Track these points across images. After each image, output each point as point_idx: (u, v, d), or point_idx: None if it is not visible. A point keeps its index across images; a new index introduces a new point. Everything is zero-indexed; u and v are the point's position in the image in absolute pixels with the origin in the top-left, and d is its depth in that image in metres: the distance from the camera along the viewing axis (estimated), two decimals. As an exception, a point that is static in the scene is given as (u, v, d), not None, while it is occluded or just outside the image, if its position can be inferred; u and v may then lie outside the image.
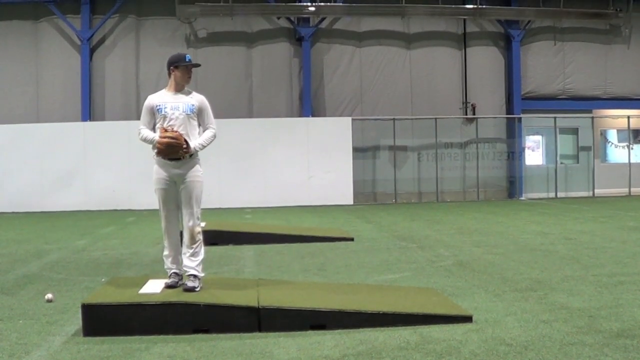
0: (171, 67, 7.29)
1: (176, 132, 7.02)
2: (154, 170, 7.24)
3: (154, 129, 7.25)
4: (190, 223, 7.14)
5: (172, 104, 7.17)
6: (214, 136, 7.32)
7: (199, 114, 7.27)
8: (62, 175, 22.90)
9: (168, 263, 7.27)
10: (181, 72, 7.25)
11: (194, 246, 7.13)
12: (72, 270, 10.38)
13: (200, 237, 7.20)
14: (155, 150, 7.07)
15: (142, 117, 7.33)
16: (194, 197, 7.17)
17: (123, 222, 18.45)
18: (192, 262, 7.09)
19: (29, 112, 24.50)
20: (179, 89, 7.27)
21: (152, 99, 7.28)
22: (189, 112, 7.18)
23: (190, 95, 7.29)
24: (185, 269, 7.13)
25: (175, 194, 7.21)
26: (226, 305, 6.49)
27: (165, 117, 7.14)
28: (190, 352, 5.73)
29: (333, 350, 5.71)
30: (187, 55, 7.38)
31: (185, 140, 7.03)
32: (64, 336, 6.30)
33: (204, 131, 7.32)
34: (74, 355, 5.67)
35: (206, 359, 5.56)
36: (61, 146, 23.05)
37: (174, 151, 7.01)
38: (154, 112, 7.22)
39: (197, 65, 7.50)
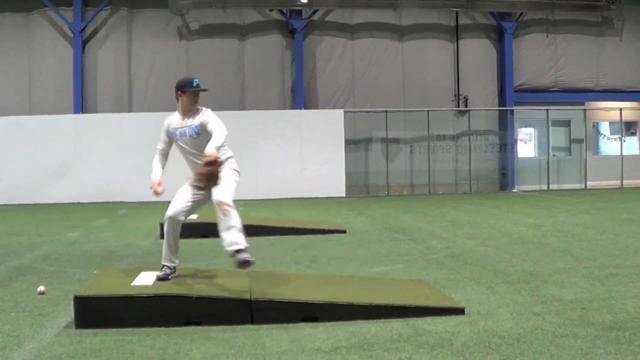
0: (178, 92, 7.27)
1: (212, 156, 6.81)
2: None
3: (169, 147, 7.44)
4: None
5: (181, 129, 7.26)
6: (222, 134, 7.02)
7: (204, 130, 7.16)
8: (54, 168, 22.85)
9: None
10: (188, 97, 7.24)
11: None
12: (64, 262, 10.36)
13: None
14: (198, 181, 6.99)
15: (161, 135, 7.46)
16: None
17: (115, 215, 18.42)
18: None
19: (21, 104, 24.42)
20: (187, 112, 7.26)
21: (168, 122, 7.37)
22: (194, 136, 7.19)
23: (196, 115, 7.22)
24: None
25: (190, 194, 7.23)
26: (218, 298, 6.48)
27: (177, 142, 7.31)
28: (183, 344, 5.72)
29: (325, 342, 5.71)
30: (195, 79, 7.33)
31: (218, 161, 6.91)
32: (56, 328, 6.28)
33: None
34: (66, 347, 5.66)
35: (198, 351, 5.55)
36: (54, 138, 22.99)
37: (214, 178, 6.90)
38: (170, 134, 7.34)
39: (204, 90, 7.39)
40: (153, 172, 7.43)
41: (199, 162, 7.10)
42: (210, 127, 7.10)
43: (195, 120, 7.18)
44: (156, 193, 7.36)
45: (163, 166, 7.55)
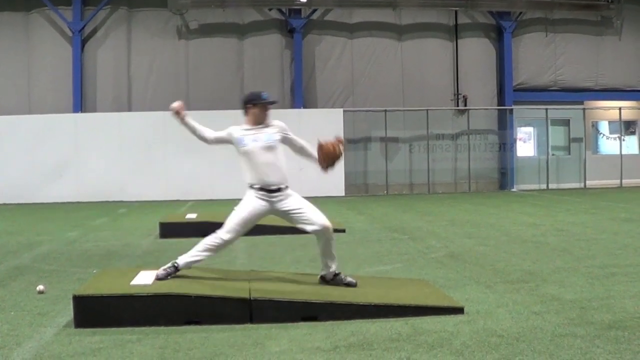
0: (248, 105, 7.37)
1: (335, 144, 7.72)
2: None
3: (218, 144, 7.59)
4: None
5: (253, 136, 7.27)
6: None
7: (285, 135, 7.52)
8: (53, 167, 22.85)
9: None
10: (259, 109, 7.35)
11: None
12: (63, 261, 10.36)
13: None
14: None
15: (223, 131, 7.49)
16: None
17: (114, 214, 18.41)
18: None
19: (21, 103, 24.42)
20: (256, 124, 7.34)
21: (235, 130, 7.39)
22: (270, 141, 7.29)
23: (271, 125, 7.38)
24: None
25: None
26: (218, 297, 6.47)
27: (244, 147, 7.26)
28: (182, 344, 5.72)
29: (324, 341, 5.71)
30: (264, 93, 7.45)
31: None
32: (55, 327, 6.28)
33: (300, 147, 7.84)
34: (65, 347, 5.66)
35: (198, 350, 5.55)
36: (53, 138, 22.99)
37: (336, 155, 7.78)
38: (234, 142, 7.33)
39: (274, 103, 7.56)
40: (198, 129, 7.48)
41: (268, 161, 7.32)
42: (292, 138, 7.67)
43: (270, 128, 7.35)
44: (174, 106, 7.32)
45: (200, 129, 7.52)
